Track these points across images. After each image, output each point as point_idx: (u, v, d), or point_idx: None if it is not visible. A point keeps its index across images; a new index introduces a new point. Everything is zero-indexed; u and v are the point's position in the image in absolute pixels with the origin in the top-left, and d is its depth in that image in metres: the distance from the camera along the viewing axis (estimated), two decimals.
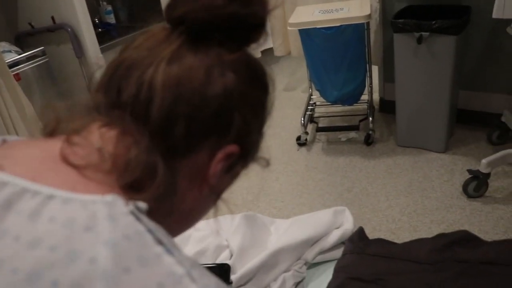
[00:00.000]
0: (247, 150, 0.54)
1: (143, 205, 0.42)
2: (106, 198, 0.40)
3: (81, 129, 0.48)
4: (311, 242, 1.23)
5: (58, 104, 0.53)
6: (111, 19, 3.03)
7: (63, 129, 0.50)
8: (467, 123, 2.74)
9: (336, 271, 1.10)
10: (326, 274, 1.20)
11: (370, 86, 2.81)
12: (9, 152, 0.46)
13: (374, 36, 2.83)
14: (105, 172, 0.44)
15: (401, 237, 2.07)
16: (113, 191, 0.42)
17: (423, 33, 2.26)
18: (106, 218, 0.38)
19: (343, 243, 1.26)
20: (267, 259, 1.17)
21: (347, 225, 1.26)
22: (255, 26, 0.51)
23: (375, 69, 2.93)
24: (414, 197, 2.29)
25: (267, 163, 0.58)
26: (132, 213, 0.40)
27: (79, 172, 0.43)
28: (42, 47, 2.52)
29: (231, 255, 1.21)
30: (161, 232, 0.40)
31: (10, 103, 2.17)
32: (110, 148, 0.46)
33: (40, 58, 2.50)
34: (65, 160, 0.44)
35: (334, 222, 1.27)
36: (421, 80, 2.42)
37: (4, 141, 0.51)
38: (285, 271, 1.19)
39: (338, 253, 1.23)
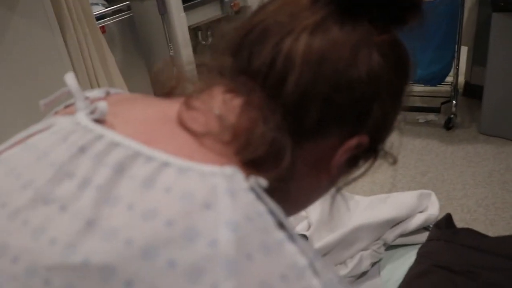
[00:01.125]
0: (376, 143, 0.49)
1: (263, 181, 0.37)
2: (225, 171, 0.36)
3: (201, 92, 0.45)
4: (393, 223, 1.18)
5: (177, 61, 0.49)
6: None
7: (182, 90, 0.46)
8: None
9: (420, 256, 1.05)
10: (405, 258, 1.16)
11: (456, 68, 2.65)
12: (119, 110, 0.42)
13: (467, 13, 2.65)
14: (224, 143, 0.40)
15: (476, 229, 1.97)
16: (232, 163, 0.38)
17: None
18: (226, 194, 0.34)
19: (425, 228, 1.20)
20: (346, 235, 1.13)
21: (433, 210, 1.20)
22: (412, 5, 0.45)
23: (463, 50, 2.76)
24: (494, 189, 2.17)
25: (394, 161, 0.53)
26: (253, 189, 0.36)
27: (197, 140, 0.39)
28: (128, 2, 2.54)
29: (309, 227, 1.19)
30: (282, 214, 0.36)
31: (95, 54, 2.22)
32: (232, 118, 0.42)
33: (125, 13, 2.53)
34: (183, 124, 0.40)
35: (419, 206, 1.21)
36: None
37: (108, 93, 0.48)
38: (363, 250, 1.15)
39: (419, 237, 1.18)
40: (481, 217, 2.03)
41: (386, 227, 1.18)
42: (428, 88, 2.86)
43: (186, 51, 2.65)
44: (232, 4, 2.72)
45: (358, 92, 0.43)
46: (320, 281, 0.34)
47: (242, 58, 0.45)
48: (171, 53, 2.63)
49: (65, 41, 2.04)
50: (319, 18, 0.43)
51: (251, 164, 0.40)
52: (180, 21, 2.57)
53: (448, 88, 2.75)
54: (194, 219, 0.33)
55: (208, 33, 3.03)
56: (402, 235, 1.19)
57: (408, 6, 0.44)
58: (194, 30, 2.93)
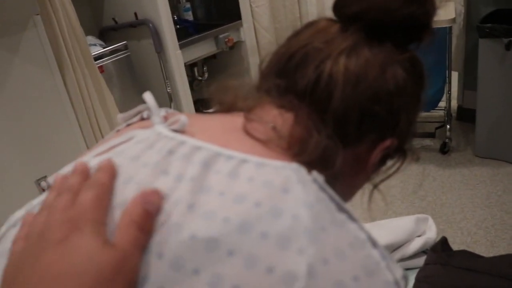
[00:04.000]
0: (402, 144, 0.57)
1: (321, 177, 0.43)
2: (292, 166, 0.42)
3: (255, 108, 0.52)
4: (392, 248, 1.20)
5: (231, 83, 0.57)
6: (189, 16, 3.08)
7: (239, 107, 0.53)
8: None
9: (418, 281, 1.07)
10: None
11: (448, 93, 2.70)
12: (195, 121, 0.49)
13: (456, 40, 2.72)
14: (283, 148, 0.47)
15: (477, 251, 1.96)
16: (293, 161, 0.44)
17: None
18: (298, 183, 0.40)
19: (424, 252, 1.22)
20: None
21: (430, 234, 1.22)
22: (425, 26, 0.52)
23: (454, 75, 2.81)
24: (492, 211, 2.18)
25: (417, 158, 0.60)
26: (316, 181, 0.42)
27: (262, 144, 0.46)
28: (125, 42, 2.61)
29: None
30: (341, 200, 0.42)
31: (94, 94, 2.26)
32: (286, 128, 0.49)
33: (122, 52, 2.59)
34: (248, 133, 0.47)
35: (416, 230, 1.23)
36: (507, 89, 2.30)
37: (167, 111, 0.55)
38: None
39: (419, 261, 1.19)
40: (481, 240, 2.04)
41: None
42: (422, 114, 2.89)
43: (183, 87, 2.70)
44: (227, 40, 2.79)
45: (389, 103, 0.51)
46: (378, 252, 0.40)
47: (288, 79, 0.52)
48: (168, 90, 2.68)
49: (64, 82, 2.09)
50: (351, 43, 0.50)
51: (307, 166, 0.45)
52: (176, 58, 2.64)
53: (441, 113, 2.79)
54: (277, 200, 0.39)
55: (204, 68, 3.09)
56: (402, 260, 1.21)
57: (422, 27, 0.52)
58: (190, 66, 2.99)
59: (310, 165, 0.45)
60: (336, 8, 0.53)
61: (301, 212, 0.38)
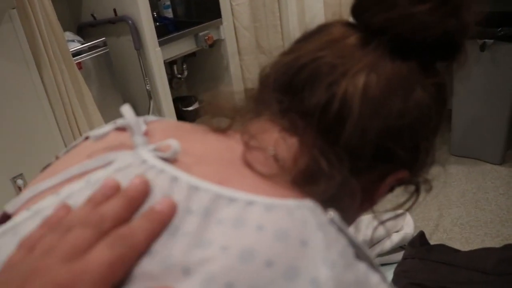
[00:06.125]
0: (415, 176, 0.51)
1: (337, 215, 0.37)
2: (307, 204, 0.36)
3: (254, 129, 0.45)
4: (370, 243, 1.21)
5: (226, 93, 0.50)
6: (169, 13, 3.07)
7: (236, 126, 0.46)
8: None
9: (396, 275, 1.08)
10: None
11: None
12: (186, 147, 0.41)
13: None
14: (287, 181, 0.40)
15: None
16: (304, 197, 0.38)
17: (486, 40, 2.20)
18: (318, 229, 0.34)
19: (401, 247, 1.24)
20: None
21: (408, 229, 1.24)
22: (459, 45, 0.45)
23: None
24: (467, 208, 2.23)
25: (430, 188, 0.54)
26: (333, 222, 0.36)
27: (264, 179, 0.39)
28: (104, 38, 2.58)
29: None
30: (360, 243, 0.37)
31: (72, 91, 2.24)
32: (289, 157, 0.42)
33: (101, 49, 2.56)
34: (248, 165, 0.40)
35: (394, 226, 1.25)
36: (481, 89, 2.35)
37: (145, 121, 0.46)
38: None
39: (396, 256, 1.21)
40: (457, 236, 2.08)
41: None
42: None
43: (162, 85, 2.69)
44: (206, 37, 2.79)
45: (410, 138, 0.45)
46: None
47: (294, 97, 0.45)
48: (147, 87, 2.66)
49: (41, 78, 2.05)
50: (372, 61, 0.43)
51: (318, 202, 0.39)
52: (156, 55, 2.62)
53: None
54: (293, 257, 0.32)
55: (184, 66, 3.08)
56: (380, 255, 1.23)
57: (454, 47, 0.45)
58: (169, 64, 2.97)
59: (321, 201, 0.39)
60: (356, 12, 0.45)
61: (322, 275, 0.32)
